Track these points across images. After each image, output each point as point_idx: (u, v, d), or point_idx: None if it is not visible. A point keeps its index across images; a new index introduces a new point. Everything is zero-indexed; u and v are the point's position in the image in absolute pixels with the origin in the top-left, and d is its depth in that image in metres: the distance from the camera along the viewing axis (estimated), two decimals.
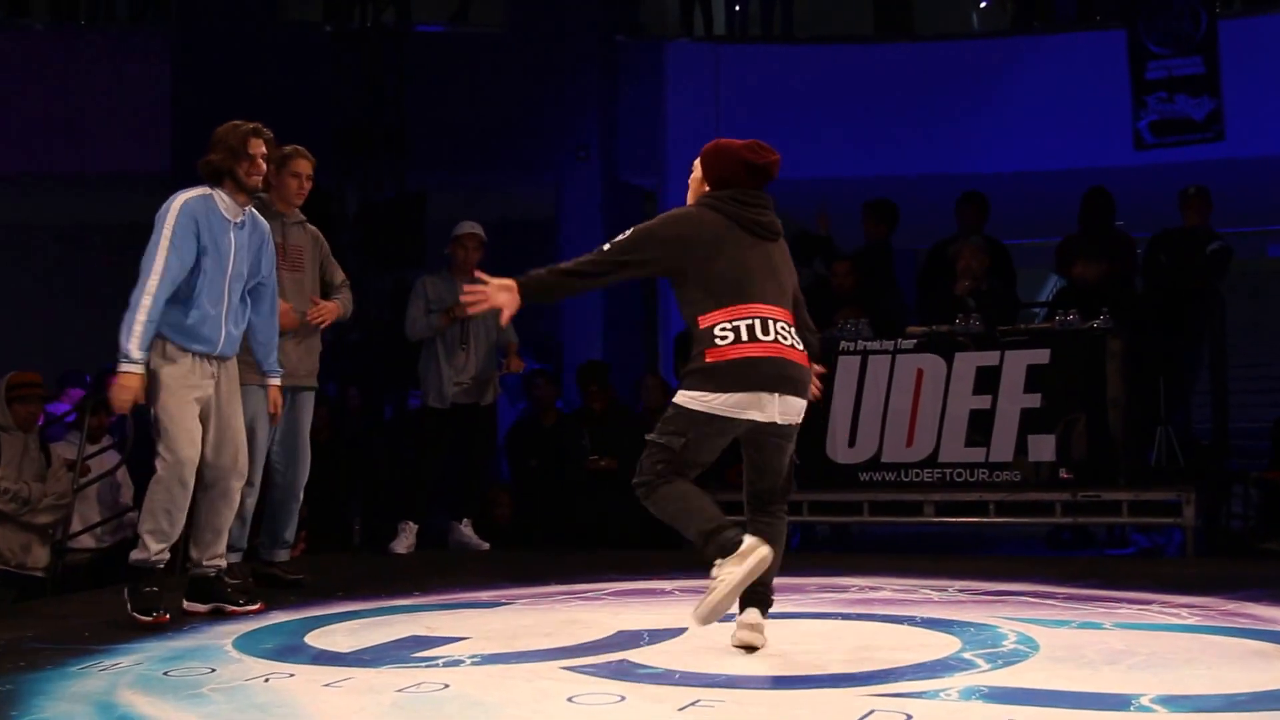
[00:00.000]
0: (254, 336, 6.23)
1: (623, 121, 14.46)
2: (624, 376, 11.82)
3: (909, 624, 5.47)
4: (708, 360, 4.76)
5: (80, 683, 4.66)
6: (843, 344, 8.83)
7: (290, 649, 5.21)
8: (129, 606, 5.72)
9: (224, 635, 5.50)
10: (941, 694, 4.15)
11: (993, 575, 6.91)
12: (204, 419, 5.91)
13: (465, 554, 8.72)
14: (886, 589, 6.50)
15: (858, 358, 8.79)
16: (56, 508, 8.13)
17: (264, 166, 6.01)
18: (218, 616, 5.96)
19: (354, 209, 11.35)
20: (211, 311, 5.86)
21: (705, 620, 4.61)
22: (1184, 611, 5.70)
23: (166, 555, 5.84)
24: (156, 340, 5.75)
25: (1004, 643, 5.00)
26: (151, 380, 5.77)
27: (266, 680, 4.62)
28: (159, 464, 5.78)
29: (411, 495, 9.00)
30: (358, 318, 10.87)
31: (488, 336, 8.90)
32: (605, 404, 10.04)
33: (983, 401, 8.50)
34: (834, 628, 5.49)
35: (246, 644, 5.31)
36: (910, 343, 8.74)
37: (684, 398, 4.81)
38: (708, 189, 5.04)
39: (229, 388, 5.99)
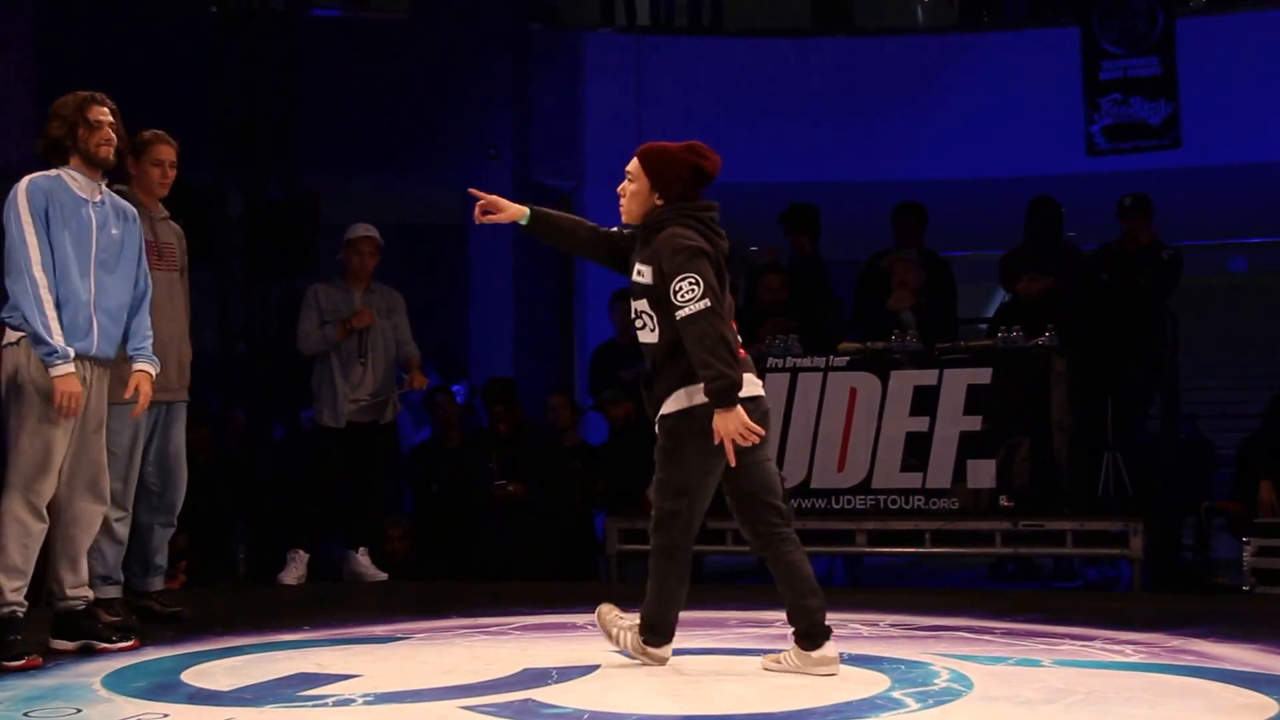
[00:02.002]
0: (128, 326, 6.12)
1: (537, 118, 14.51)
2: (536, 394, 11.87)
3: None
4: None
5: None
6: (771, 361, 8.93)
7: (164, 687, 5.22)
8: None
9: (92, 673, 5.50)
10: None
11: (928, 609, 7.03)
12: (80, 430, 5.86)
13: (360, 585, 8.74)
14: None
15: (786, 375, 8.90)
16: None
17: (113, 135, 5.94)
18: (87, 654, 5.93)
19: (239, 210, 11.30)
20: (80, 297, 5.78)
21: None
22: (1128, 649, 5.85)
23: (24, 598, 5.76)
24: (23, 340, 5.71)
25: (935, 681, 5.11)
26: (12, 387, 5.72)
27: None
28: (8, 490, 5.71)
29: (302, 522, 9.01)
30: (244, 329, 10.86)
31: (387, 351, 8.93)
32: (512, 425, 10.08)
33: (920, 423, 8.63)
34: (755, 664, 5.56)
35: (116, 682, 5.32)
36: (843, 360, 8.86)
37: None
38: (659, 200, 5.27)
39: (96, 400, 5.90)
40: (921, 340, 8.82)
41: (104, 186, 6.01)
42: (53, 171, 5.89)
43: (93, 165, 5.91)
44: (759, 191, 13.21)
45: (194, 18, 13.09)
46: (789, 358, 8.94)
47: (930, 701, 4.73)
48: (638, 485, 9.63)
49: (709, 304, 5.01)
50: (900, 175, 13.72)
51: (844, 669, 5.36)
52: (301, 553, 8.77)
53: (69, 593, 6.00)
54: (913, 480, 8.63)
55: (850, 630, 6.39)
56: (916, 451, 8.62)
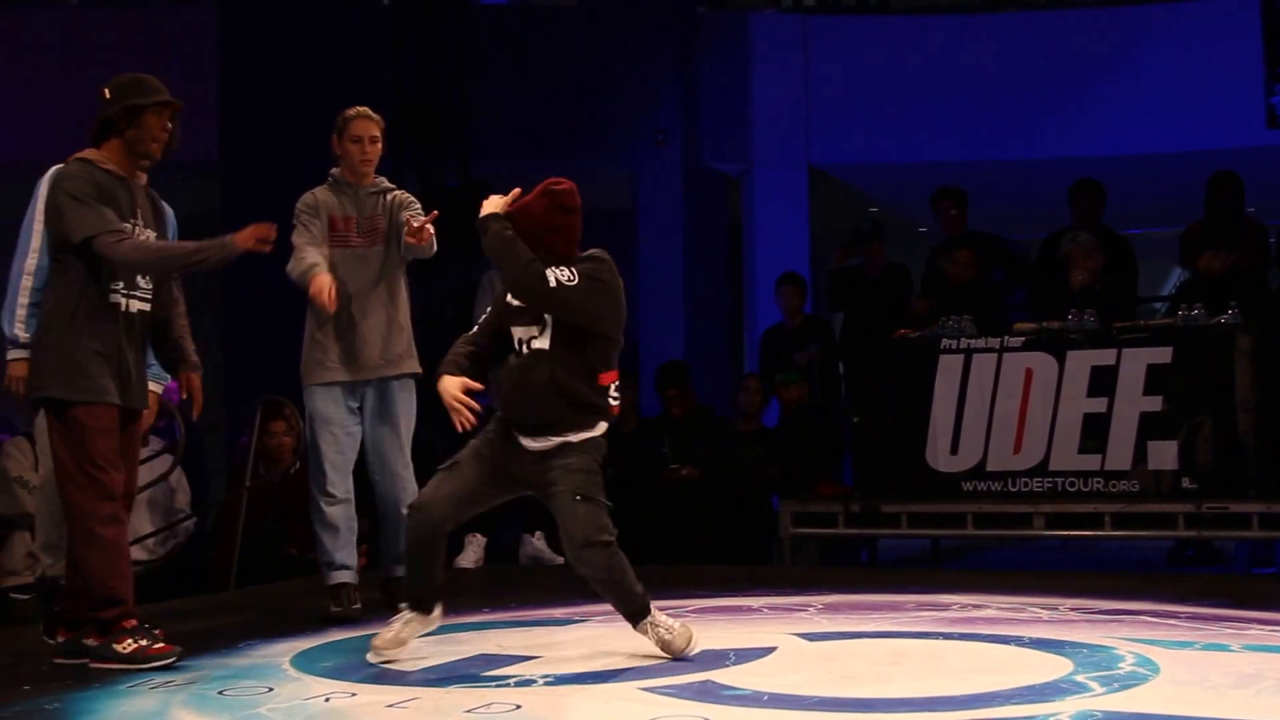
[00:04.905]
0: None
1: (704, 102, 14.48)
2: (707, 378, 11.87)
3: (1016, 644, 5.51)
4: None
5: (130, 701, 4.82)
6: (945, 342, 8.85)
7: (351, 667, 5.35)
8: None
9: (282, 653, 5.65)
10: (1051, 719, 4.19)
11: (1108, 593, 6.91)
12: None
13: (537, 568, 8.83)
14: (991, 607, 6.53)
15: (960, 356, 8.81)
16: None
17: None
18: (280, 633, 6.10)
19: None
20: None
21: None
22: None
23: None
24: None
25: (1120, 665, 5.04)
26: None
27: (327, 700, 4.76)
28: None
29: None
30: (421, 315, 11.01)
31: None
32: (686, 408, 10.11)
33: (1098, 404, 8.50)
34: (934, 648, 5.54)
35: (305, 662, 5.45)
36: (1018, 341, 8.76)
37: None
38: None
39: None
40: (1099, 319, 8.67)
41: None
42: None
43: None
44: (929, 171, 13.07)
45: (369, 11, 13.34)
46: (963, 339, 8.85)
47: (1116, 685, 4.66)
48: (811, 468, 9.64)
49: None
50: (1074, 152, 13.45)
51: (1027, 652, 5.31)
52: (479, 536, 8.87)
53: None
54: (1091, 462, 8.50)
55: (1030, 614, 6.33)
56: (1095, 433, 8.49)
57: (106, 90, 5.61)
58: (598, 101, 14.02)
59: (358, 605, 6.70)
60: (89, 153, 5.60)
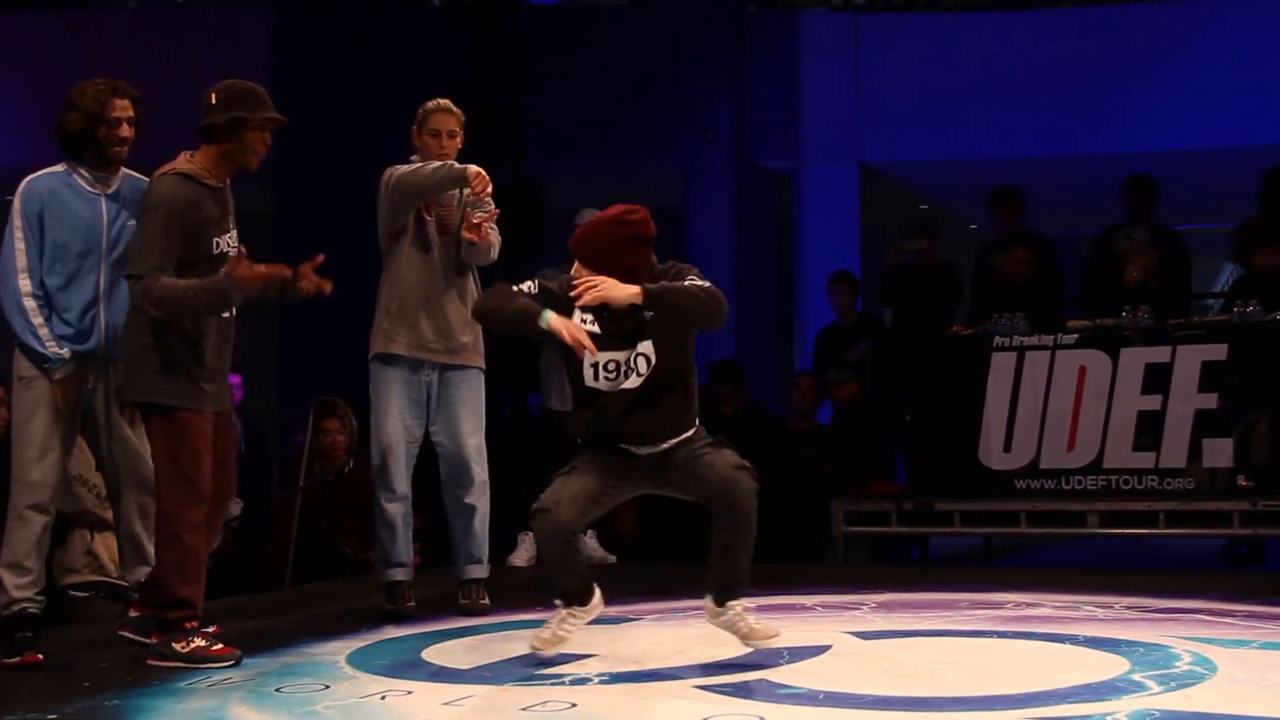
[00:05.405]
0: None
1: (755, 100, 14.48)
2: (758, 376, 11.84)
3: (1071, 643, 5.48)
4: None
5: (189, 699, 4.84)
6: (997, 340, 8.81)
7: (407, 665, 5.37)
8: None
9: (338, 651, 5.67)
10: (1108, 718, 4.16)
11: (1163, 591, 6.87)
12: (94, 431, 5.82)
13: (590, 567, 8.81)
14: (1045, 605, 6.49)
15: (1013, 354, 8.77)
16: None
17: (129, 132, 5.71)
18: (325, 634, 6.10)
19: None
20: (85, 297, 5.66)
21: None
22: None
23: (34, 595, 5.60)
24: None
25: (1177, 663, 5.00)
26: (12, 385, 5.71)
27: (383, 698, 4.77)
28: (11, 486, 5.68)
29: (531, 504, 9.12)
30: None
31: None
32: (738, 406, 10.09)
33: (1152, 402, 8.45)
34: (988, 646, 5.52)
35: (361, 660, 5.47)
36: (1072, 338, 8.71)
37: None
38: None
39: (105, 397, 5.77)
40: (1154, 316, 8.61)
41: (122, 175, 5.78)
42: (59, 168, 5.74)
43: (106, 161, 5.72)
44: (980, 168, 13.03)
45: (421, 11, 13.38)
46: (1015, 336, 8.81)
47: (1173, 684, 4.63)
48: (863, 466, 9.60)
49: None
50: (1127, 148, 13.39)
51: (1082, 651, 5.28)
52: (531, 535, 8.87)
53: (129, 579, 5.99)
54: (1146, 460, 8.45)
55: (1084, 612, 6.29)
56: (1149, 430, 8.44)
57: (214, 95, 5.58)
58: (649, 100, 14.04)
59: (412, 603, 6.71)
60: (189, 165, 5.54)
